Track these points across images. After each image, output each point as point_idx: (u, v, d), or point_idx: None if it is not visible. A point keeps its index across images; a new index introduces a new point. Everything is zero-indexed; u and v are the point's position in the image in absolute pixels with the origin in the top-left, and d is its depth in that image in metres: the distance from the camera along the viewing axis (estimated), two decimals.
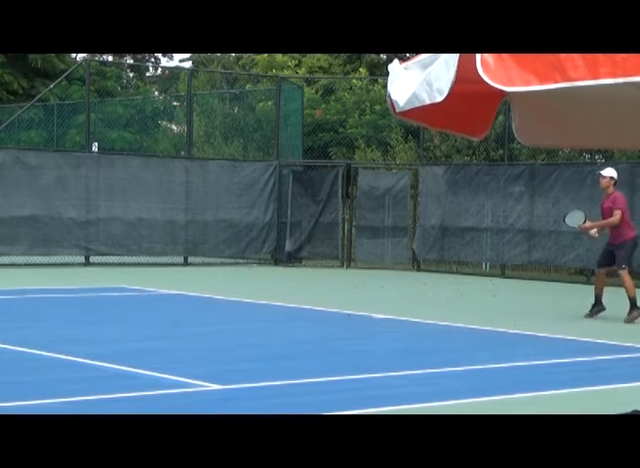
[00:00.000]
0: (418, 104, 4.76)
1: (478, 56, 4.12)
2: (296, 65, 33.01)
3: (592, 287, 14.89)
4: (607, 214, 14.41)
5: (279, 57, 33.13)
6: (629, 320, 13.98)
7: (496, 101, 5.61)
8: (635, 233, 14.63)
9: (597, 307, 14.38)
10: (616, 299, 14.75)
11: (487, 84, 4.11)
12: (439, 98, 4.52)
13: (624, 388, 9.07)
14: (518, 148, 23.41)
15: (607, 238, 14.64)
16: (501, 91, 4.19)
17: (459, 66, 4.30)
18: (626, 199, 14.82)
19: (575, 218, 14.69)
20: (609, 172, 14.67)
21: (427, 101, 4.65)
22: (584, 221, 14.55)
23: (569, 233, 20.81)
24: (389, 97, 5.12)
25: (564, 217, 15.07)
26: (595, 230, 14.54)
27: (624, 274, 14.15)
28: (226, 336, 11.96)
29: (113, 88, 34.32)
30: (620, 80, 3.97)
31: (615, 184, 14.60)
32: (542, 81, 4.09)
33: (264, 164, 24.50)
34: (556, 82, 4.06)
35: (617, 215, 14.20)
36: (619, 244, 14.29)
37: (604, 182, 14.59)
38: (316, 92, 30.53)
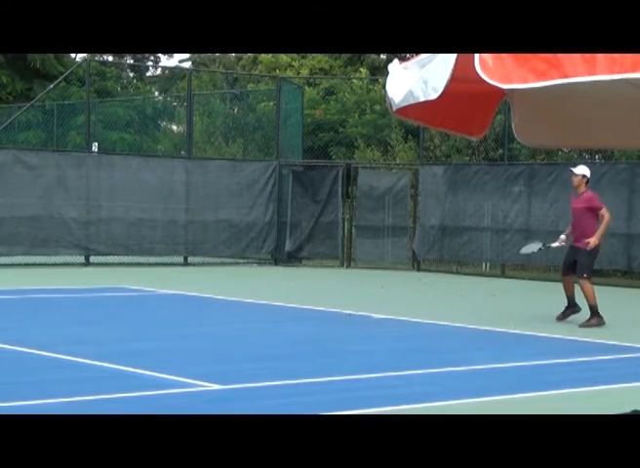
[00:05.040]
0: (412, 101, 4.77)
1: (477, 54, 4.13)
2: (299, 66, 33.03)
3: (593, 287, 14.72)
4: (579, 214, 13.77)
5: (283, 57, 33.14)
6: (586, 325, 13.36)
7: (495, 102, 5.62)
8: (600, 240, 13.90)
9: (571, 309, 13.90)
10: (615, 300, 14.74)
11: (485, 82, 4.11)
12: (433, 96, 4.52)
13: (624, 388, 9.07)
14: (518, 148, 23.41)
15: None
16: (500, 91, 4.21)
17: (456, 65, 4.31)
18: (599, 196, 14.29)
19: (531, 247, 14.55)
20: (581, 169, 13.97)
21: (422, 99, 4.65)
22: (544, 245, 14.32)
23: None
24: (387, 95, 5.13)
25: (519, 251, 14.95)
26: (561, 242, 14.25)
27: (585, 283, 13.53)
28: (226, 336, 11.95)
29: (113, 88, 34.31)
30: (617, 76, 3.97)
31: (587, 183, 13.90)
32: (540, 78, 4.09)
33: (264, 164, 24.50)
34: (553, 78, 4.07)
35: (607, 214, 13.63)
36: (583, 250, 13.67)
37: (576, 181, 13.88)
38: (317, 94, 30.54)
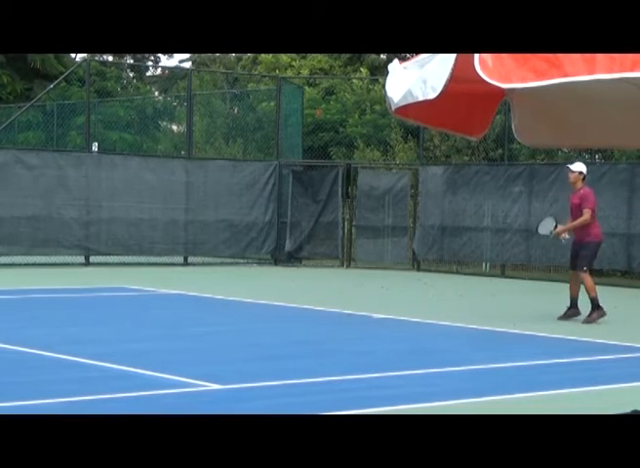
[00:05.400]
0: (411, 101, 4.78)
1: (476, 54, 4.13)
2: (299, 66, 33.03)
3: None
4: (576, 210, 14.05)
5: (283, 57, 33.13)
6: (589, 321, 13.60)
7: (495, 102, 5.62)
8: (601, 234, 14.27)
9: (572, 310, 14.04)
10: (613, 300, 14.74)
11: (485, 82, 4.11)
12: (432, 95, 4.52)
13: (624, 388, 9.07)
14: (517, 148, 23.41)
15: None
16: (500, 91, 4.21)
17: (455, 65, 4.31)
18: (595, 195, 14.42)
19: (546, 226, 14.58)
20: (578, 166, 14.24)
21: (421, 98, 4.65)
22: (556, 226, 14.38)
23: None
24: (386, 95, 5.13)
25: (536, 228, 14.97)
26: (565, 234, 14.38)
27: (585, 275, 13.78)
28: (226, 336, 11.96)
29: (113, 88, 34.31)
30: (617, 75, 3.97)
31: (583, 179, 14.16)
32: (540, 77, 4.09)
33: (264, 164, 24.50)
34: (553, 78, 4.07)
35: (586, 214, 13.83)
36: (583, 244, 13.96)
37: (572, 177, 14.15)
38: (317, 93, 30.56)
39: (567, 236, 14.41)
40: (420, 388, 8.82)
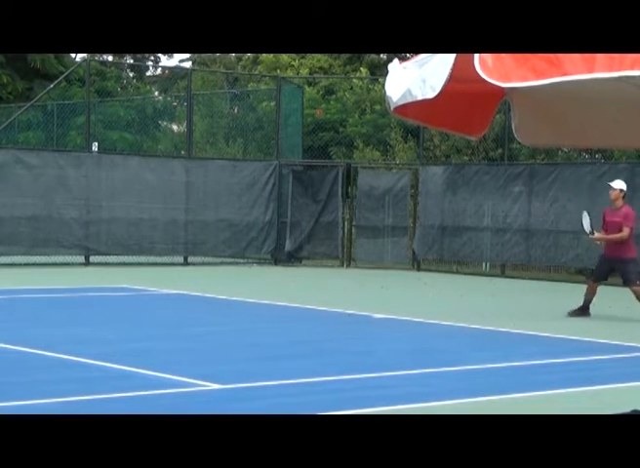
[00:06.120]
0: (410, 100, 4.78)
1: (476, 53, 4.13)
2: (299, 65, 33.03)
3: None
4: (615, 228, 14.11)
5: (283, 57, 33.14)
6: None
7: (494, 101, 5.62)
8: (636, 251, 14.42)
9: (584, 312, 14.20)
10: (612, 300, 14.76)
11: (485, 82, 4.12)
12: (431, 95, 4.52)
13: (624, 388, 9.07)
14: (517, 148, 23.41)
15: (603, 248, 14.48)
16: (500, 90, 4.21)
17: (455, 65, 4.31)
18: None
19: (586, 224, 14.60)
20: (619, 184, 14.39)
21: (420, 97, 4.65)
22: (592, 231, 14.37)
23: (568, 233, 20.80)
24: (386, 94, 5.13)
25: (582, 218, 14.87)
26: (599, 241, 14.46)
27: (638, 290, 13.97)
28: (226, 336, 11.96)
29: (113, 88, 34.30)
30: (617, 74, 3.97)
31: (624, 197, 14.33)
32: (540, 76, 4.09)
33: (264, 164, 24.50)
34: (553, 77, 4.07)
35: (626, 232, 13.96)
36: (625, 260, 14.08)
37: (613, 195, 14.31)
38: (317, 93, 30.56)
39: (598, 243, 14.51)
40: (418, 388, 8.82)
